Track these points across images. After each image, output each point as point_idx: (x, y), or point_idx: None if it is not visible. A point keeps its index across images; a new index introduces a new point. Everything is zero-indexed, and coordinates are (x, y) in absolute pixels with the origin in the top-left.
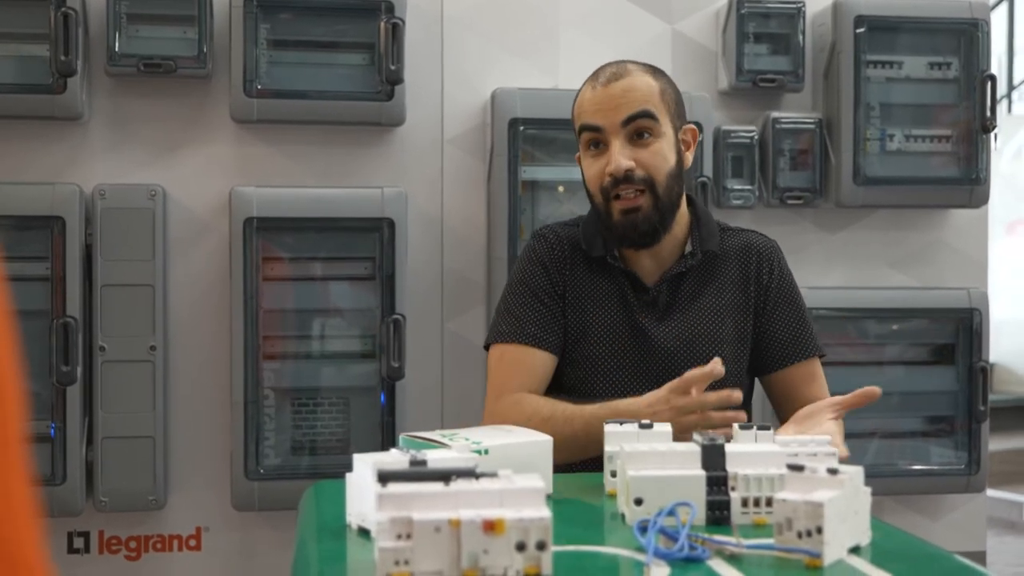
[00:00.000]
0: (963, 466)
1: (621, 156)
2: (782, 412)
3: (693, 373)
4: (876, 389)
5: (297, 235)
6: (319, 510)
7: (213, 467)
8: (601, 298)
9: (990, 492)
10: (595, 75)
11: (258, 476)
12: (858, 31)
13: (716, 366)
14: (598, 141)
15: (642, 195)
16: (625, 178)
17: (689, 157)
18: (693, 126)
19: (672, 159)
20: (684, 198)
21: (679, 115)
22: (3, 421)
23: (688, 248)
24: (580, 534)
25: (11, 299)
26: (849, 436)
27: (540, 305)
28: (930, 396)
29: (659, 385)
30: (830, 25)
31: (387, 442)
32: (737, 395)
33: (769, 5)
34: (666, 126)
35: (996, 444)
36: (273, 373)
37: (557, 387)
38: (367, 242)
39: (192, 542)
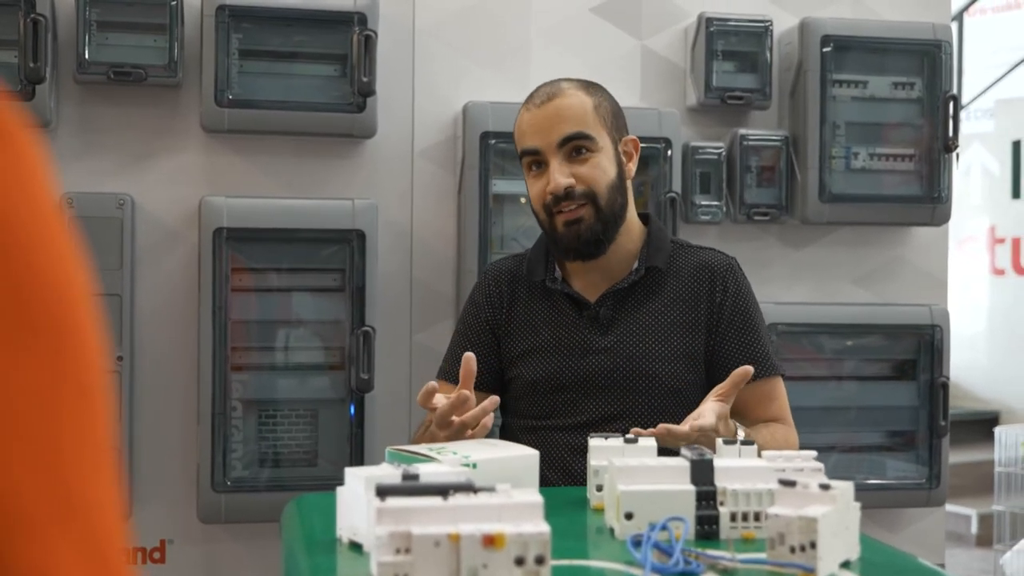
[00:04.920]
0: (924, 480)
1: (559, 174)
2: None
3: (443, 409)
4: (749, 368)
5: (267, 246)
6: (304, 523)
7: (179, 479)
8: (539, 322)
9: None
10: (530, 97)
11: (225, 488)
12: (824, 51)
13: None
14: (539, 162)
15: (583, 207)
16: (566, 195)
17: (632, 168)
18: (634, 137)
19: (612, 171)
20: (638, 215)
21: (617, 127)
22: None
23: (635, 265)
24: (567, 548)
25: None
26: (816, 450)
27: (469, 344)
28: (891, 411)
29: (601, 401)
30: (797, 44)
31: (356, 454)
32: (494, 398)
33: (737, 24)
34: (603, 140)
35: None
36: (241, 384)
37: (505, 410)
38: (337, 254)
39: (156, 555)
